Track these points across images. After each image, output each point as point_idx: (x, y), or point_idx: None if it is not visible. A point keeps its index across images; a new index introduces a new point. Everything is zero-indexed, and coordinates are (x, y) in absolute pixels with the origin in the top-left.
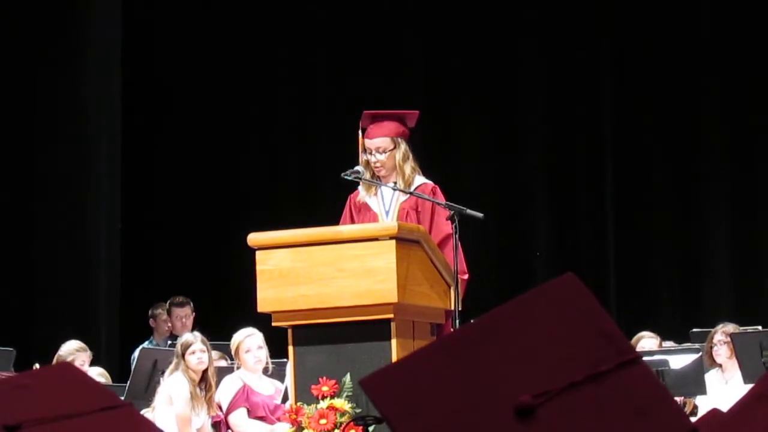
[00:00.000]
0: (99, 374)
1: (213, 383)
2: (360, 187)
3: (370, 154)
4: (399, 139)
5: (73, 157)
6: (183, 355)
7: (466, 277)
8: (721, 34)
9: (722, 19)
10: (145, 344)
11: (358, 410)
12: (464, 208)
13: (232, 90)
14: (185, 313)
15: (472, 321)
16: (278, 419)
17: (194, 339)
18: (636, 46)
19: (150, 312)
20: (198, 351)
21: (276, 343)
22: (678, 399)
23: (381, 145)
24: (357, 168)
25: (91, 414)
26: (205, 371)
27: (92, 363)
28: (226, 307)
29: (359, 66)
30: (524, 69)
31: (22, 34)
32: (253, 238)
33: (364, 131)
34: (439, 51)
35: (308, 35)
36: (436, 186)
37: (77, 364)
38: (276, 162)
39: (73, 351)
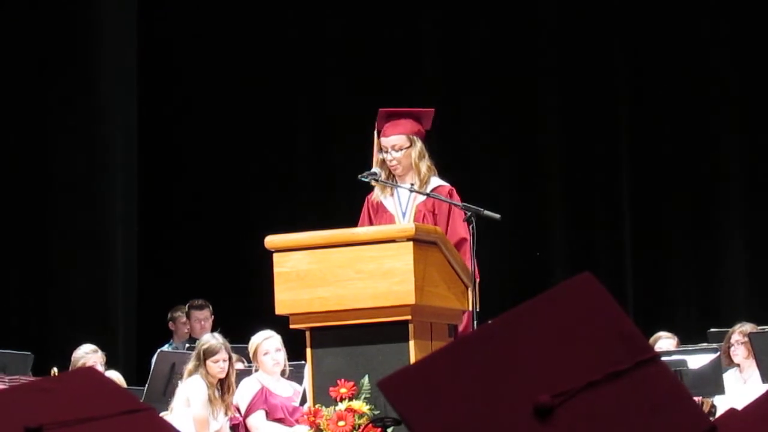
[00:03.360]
0: (117, 380)
1: (233, 387)
2: (376, 188)
3: (386, 152)
4: (415, 138)
5: (90, 158)
6: (205, 360)
7: (478, 280)
8: (738, 39)
9: (740, 21)
10: (165, 347)
11: (376, 412)
12: (481, 209)
13: (249, 92)
14: (204, 316)
15: (489, 321)
16: (297, 421)
17: (219, 346)
18: (652, 50)
19: (169, 315)
20: (221, 360)
21: (294, 346)
22: (696, 399)
23: (397, 143)
24: (374, 169)
25: (113, 417)
26: (225, 376)
27: (110, 366)
28: (243, 309)
29: (374, 66)
30: (540, 75)
31: (34, 34)
32: (271, 241)
33: (379, 131)
34: (454, 53)
35: (324, 36)
36: (453, 188)
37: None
38: (292, 164)
39: (86, 354)
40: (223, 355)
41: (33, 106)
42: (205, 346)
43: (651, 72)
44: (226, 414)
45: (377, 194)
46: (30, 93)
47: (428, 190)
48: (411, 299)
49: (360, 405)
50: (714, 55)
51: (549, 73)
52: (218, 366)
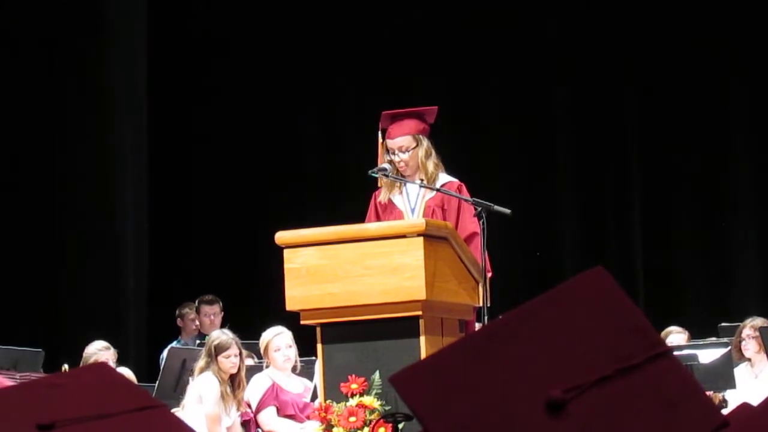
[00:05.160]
0: (128, 377)
1: (244, 383)
2: (383, 187)
3: (393, 154)
4: (420, 136)
5: (101, 156)
6: (216, 356)
7: (489, 275)
8: (748, 39)
9: (750, 22)
10: (174, 344)
11: (387, 408)
12: (491, 204)
13: (258, 89)
14: (214, 311)
15: (500, 317)
16: (307, 417)
17: (230, 342)
18: (659, 44)
19: (177, 312)
20: (233, 356)
21: (304, 342)
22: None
23: (403, 144)
24: (384, 165)
25: (125, 414)
26: (236, 371)
27: (121, 363)
28: (254, 305)
29: (385, 62)
30: (551, 75)
31: (44, 32)
32: (281, 237)
33: (383, 132)
34: (466, 51)
35: (334, 31)
36: (462, 184)
37: None
38: (302, 161)
39: (98, 350)
40: (234, 350)
41: (45, 106)
42: (215, 342)
43: (660, 65)
44: (237, 410)
45: (385, 194)
46: (43, 93)
47: (436, 186)
48: (422, 295)
49: (371, 401)
50: (722, 50)
51: (559, 74)
52: (230, 361)
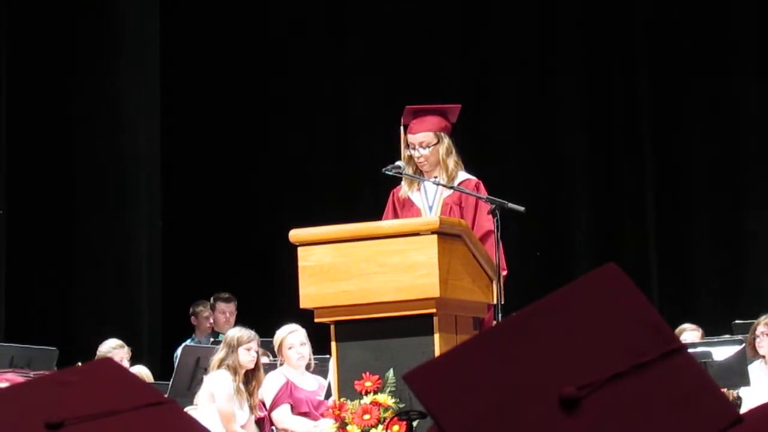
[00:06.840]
0: (145, 375)
1: (260, 381)
2: (402, 183)
3: (413, 149)
4: (442, 134)
5: (113, 154)
6: (237, 348)
7: (504, 273)
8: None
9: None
10: (187, 342)
11: (401, 405)
12: (505, 202)
13: (272, 86)
14: (230, 309)
15: (514, 314)
16: (322, 415)
17: (252, 336)
18: (670, 37)
19: (191, 309)
20: (253, 350)
21: (318, 339)
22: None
23: (424, 140)
24: (398, 163)
25: (134, 411)
26: (252, 369)
27: (135, 361)
28: (268, 303)
29: (397, 58)
30: (561, 69)
31: (58, 30)
32: (295, 235)
33: (405, 127)
34: (475, 49)
35: (346, 24)
36: (480, 181)
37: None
38: (316, 157)
39: (112, 348)
40: (254, 345)
41: (57, 104)
42: (238, 334)
43: (673, 61)
44: (251, 408)
45: (405, 191)
46: (53, 91)
47: (455, 184)
48: (435, 292)
49: (385, 398)
50: (736, 27)
51: (569, 69)
52: (250, 354)
